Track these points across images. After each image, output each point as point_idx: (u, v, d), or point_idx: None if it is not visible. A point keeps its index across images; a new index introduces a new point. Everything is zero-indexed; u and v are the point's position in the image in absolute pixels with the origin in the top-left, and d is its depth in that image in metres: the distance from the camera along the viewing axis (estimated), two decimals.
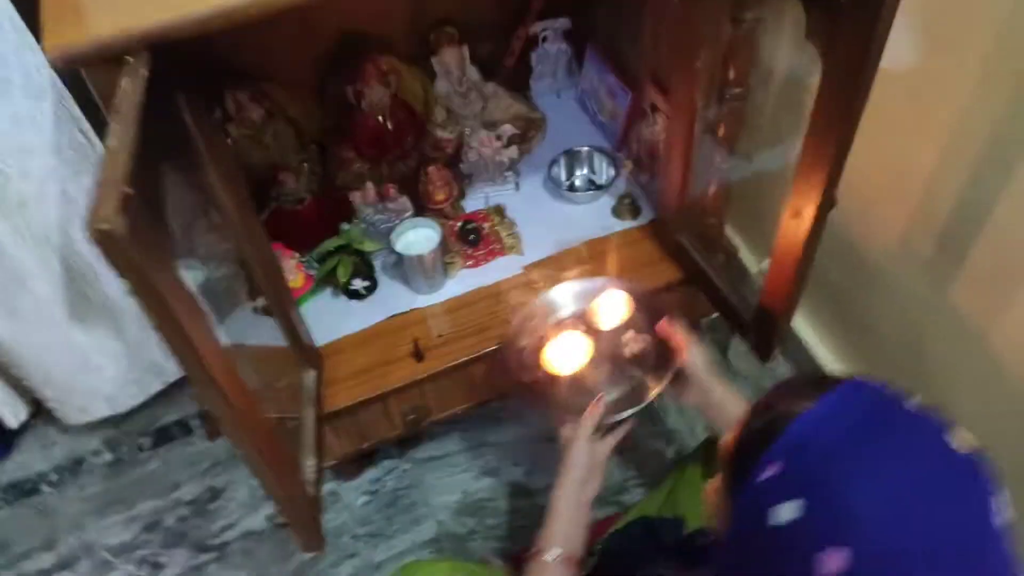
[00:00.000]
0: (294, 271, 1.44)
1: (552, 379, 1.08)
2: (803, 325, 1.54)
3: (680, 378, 1.00)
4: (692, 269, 1.40)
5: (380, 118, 1.55)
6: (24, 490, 1.61)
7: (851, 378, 0.52)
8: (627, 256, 1.45)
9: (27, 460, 1.65)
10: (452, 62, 1.58)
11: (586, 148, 1.63)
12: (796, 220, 0.99)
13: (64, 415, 1.55)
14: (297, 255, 1.46)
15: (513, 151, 1.58)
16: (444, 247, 1.46)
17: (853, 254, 1.34)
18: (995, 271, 1.06)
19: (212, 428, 0.87)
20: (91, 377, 1.48)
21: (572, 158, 1.64)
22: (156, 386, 1.56)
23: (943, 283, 1.16)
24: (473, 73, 1.65)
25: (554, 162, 1.62)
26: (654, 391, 1.00)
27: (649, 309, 1.11)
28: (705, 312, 1.50)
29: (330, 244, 1.40)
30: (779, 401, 0.52)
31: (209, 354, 0.77)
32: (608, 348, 1.09)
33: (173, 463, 1.60)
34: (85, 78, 0.74)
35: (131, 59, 0.73)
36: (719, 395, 0.96)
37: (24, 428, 1.66)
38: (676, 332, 1.02)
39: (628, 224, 1.53)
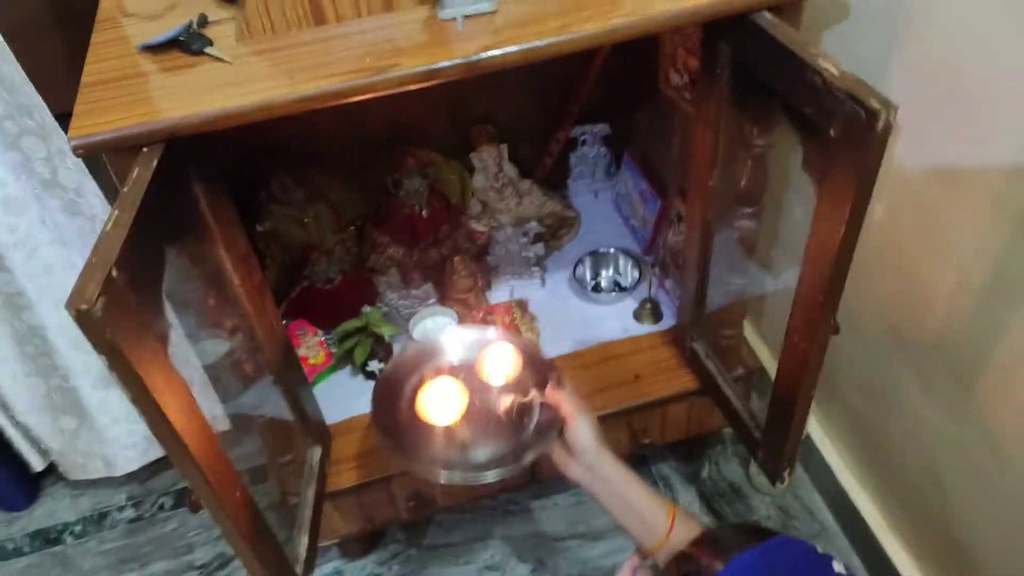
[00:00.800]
0: (316, 348, 1.47)
1: (424, 426, 1.02)
2: (826, 446, 1.48)
3: (565, 448, 0.93)
4: (707, 380, 1.36)
5: (416, 207, 1.59)
6: (48, 539, 1.64)
7: (776, 535, 0.49)
8: (644, 360, 1.43)
9: (55, 509, 1.69)
10: (490, 158, 1.63)
11: (612, 249, 1.64)
12: (796, 345, 0.96)
13: (66, 470, 1.59)
14: (321, 332, 1.48)
15: (539, 247, 1.59)
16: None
17: (870, 378, 1.29)
18: (1011, 403, 1.00)
19: (194, 502, 0.87)
20: (92, 437, 1.52)
21: (599, 259, 1.64)
22: (156, 453, 1.59)
23: (959, 412, 1.10)
24: (510, 170, 1.69)
25: (580, 261, 1.63)
26: (529, 456, 0.94)
27: (540, 370, 1.05)
28: (721, 424, 1.45)
29: (350, 325, 1.43)
30: (701, 555, 0.49)
31: (189, 431, 0.79)
32: (489, 404, 1.03)
33: (190, 526, 1.62)
34: (107, 164, 0.79)
35: (145, 149, 0.77)
36: (608, 471, 0.89)
37: (57, 477, 1.70)
38: (563, 399, 0.95)
39: (648, 328, 1.51)
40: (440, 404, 1.03)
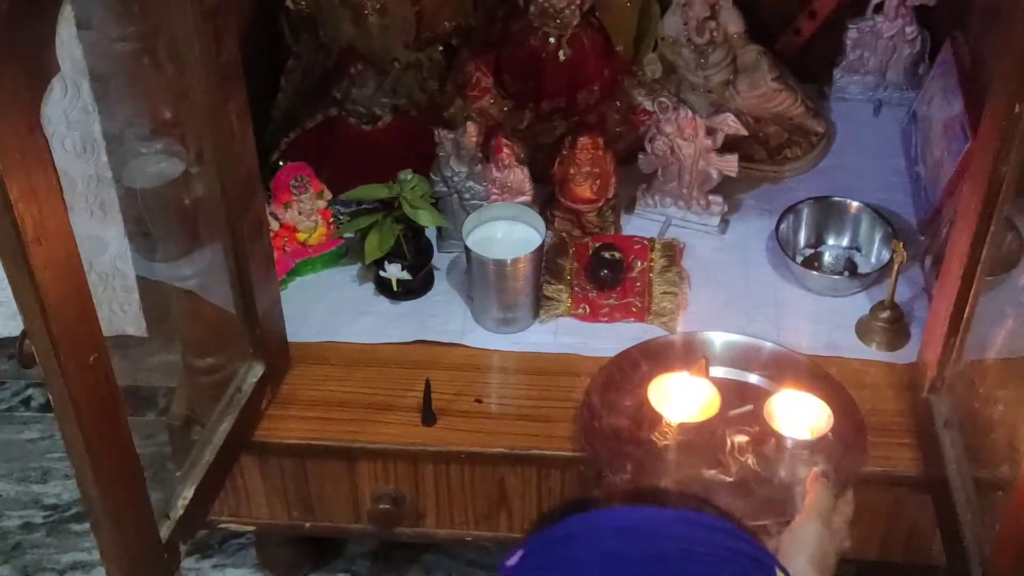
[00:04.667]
0: (314, 216, 1.56)
1: (653, 421, 1.32)
2: None
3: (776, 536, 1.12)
4: (935, 467, 1.33)
5: (553, 39, 1.63)
6: None
7: None
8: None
9: None
10: None
11: (859, 205, 1.61)
12: None
13: None
14: (327, 194, 1.57)
15: (733, 165, 1.59)
16: (547, 267, 1.50)
17: None
18: None
19: (26, 352, 1.00)
20: None
21: (830, 215, 1.62)
22: None
23: None
24: (732, 20, 1.68)
25: (794, 211, 1.61)
26: (753, 522, 1.13)
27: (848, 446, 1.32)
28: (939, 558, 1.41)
29: (370, 192, 1.50)
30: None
31: (47, 235, 0.90)
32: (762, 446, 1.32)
33: (57, 440, 1.80)
34: None
35: None
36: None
37: None
38: (816, 491, 1.16)
39: (874, 354, 1.48)
40: (683, 400, 1.32)
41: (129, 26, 1.18)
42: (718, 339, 1.46)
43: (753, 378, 1.43)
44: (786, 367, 1.42)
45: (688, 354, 1.43)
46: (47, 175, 0.90)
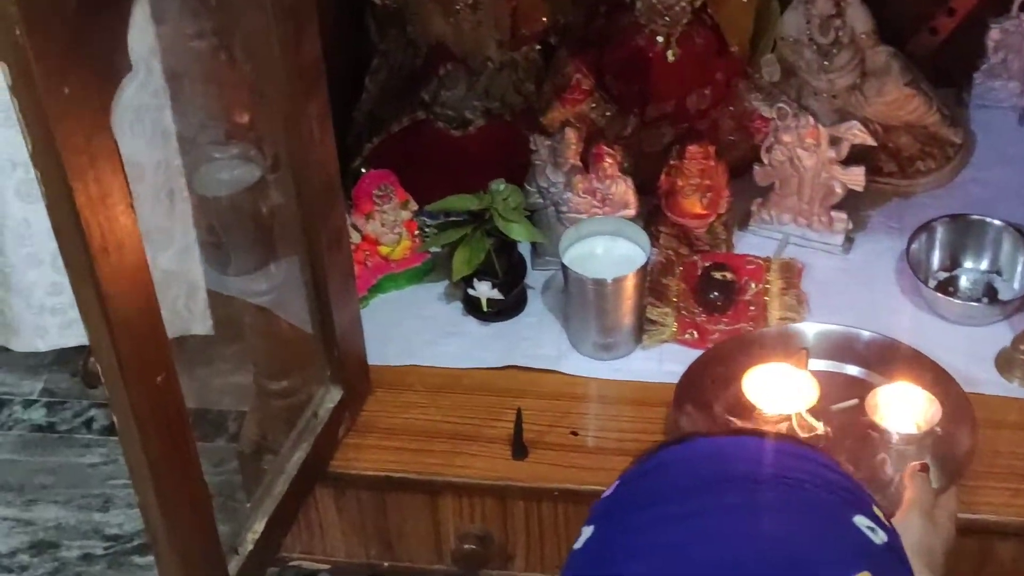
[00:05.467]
0: (398, 228, 1.56)
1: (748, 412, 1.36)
2: None
3: None
4: None
5: (661, 38, 1.61)
6: None
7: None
8: (988, 444, 1.37)
9: None
10: None
11: (998, 224, 1.57)
12: None
13: None
14: (413, 204, 1.57)
15: (860, 178, 1.56)
16: (651, 288, 1.49)
17: None
18: None
19: (91, 371, 1.01)
20: None
21: (967, 234, 1.59)
22: None
23: None
24: (861, 18, 1.65)
25: (927, 229, 1.58)
26: None
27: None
28: None
29: (459, 203, 1.49)
30: None
31: (112, 246, 0.90)
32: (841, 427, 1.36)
33: (120, 466, 1.81)
34: None
35: None
36: None
37: None
38: (915, 485, 1.18)
39: (1017, 391, 1.45)
40: (781, 392, 1.36)
41: (205, 22, 1.18)
42: (813, 329, 1.48)
43: (854, 370, 1.45)
44: (890, 357, 1.43)
45: (785, 345, 1.45)
46: (117, 180, 0.91)
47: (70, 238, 0.89)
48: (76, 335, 1.56)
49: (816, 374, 1.39)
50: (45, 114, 0.82)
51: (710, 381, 1.43)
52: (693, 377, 1.42)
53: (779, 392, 1.36)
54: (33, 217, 1.34)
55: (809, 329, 1.48)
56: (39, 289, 1.43)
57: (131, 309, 0.95)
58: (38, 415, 1.91)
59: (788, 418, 1.35)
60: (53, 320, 1.45)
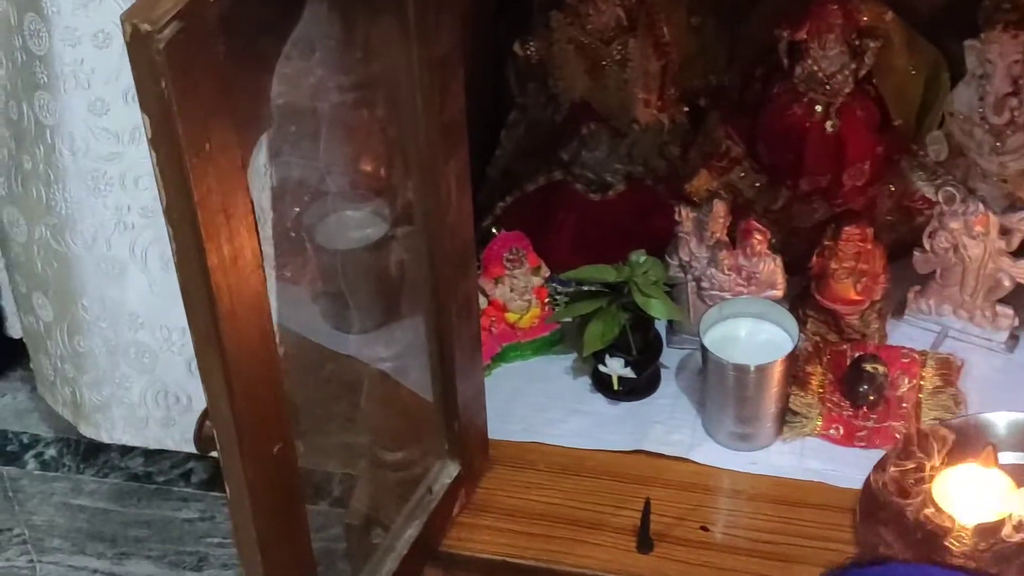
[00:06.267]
0: (528, 295, 1.57)
1: (939, 525, 1.31)
2: None
3: None
4: None
5: (820, 108, 1.61)
6: (4, 451, 1.96)
7: None
8: None
9: (23, 407, 2.00)
10: (998, 55, 1.57)
11: None
12: None
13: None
14: (545, 270, 1.58)
15: None
16: (795, 376, 1.48)
17: None
18: None
19: (205, 435, 1.03)
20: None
21: None
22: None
23: None
24: None
25: None
26: None
27: None
28: None
29: (595, 273, 1.49)
30: None
31: (240, 311, 0.93)
32: None
33: (218, 522, 1.84)
34: None
35: None
36: None
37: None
38: None
39: None
40: (973, 496, 1.34)
41: (350, 73, 1.21)
42: (1002, 420, 1.46)
43: None
44: None
45: (968, 438, 1.42)
46: (251, 240, 0.93)
47: (199, 300, 0.91)
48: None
49: (1008, 468, 1.37)
50: (184, 170, 0.84)
51: (895, 480, 1.40)
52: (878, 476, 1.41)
53: (972, 497, 1.34)
54: None
55: (999, 420, 1.46)
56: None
57: (254, 376, 0.97)
58: (135, 464, 1.93)
59: (998, 525, 1.31)
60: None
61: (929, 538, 1.33)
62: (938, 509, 1.32)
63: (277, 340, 1.03)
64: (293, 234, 1.43)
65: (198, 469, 1.92)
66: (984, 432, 1.43)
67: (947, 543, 1.31)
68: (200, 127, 0.84)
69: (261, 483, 1.03)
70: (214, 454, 1.02)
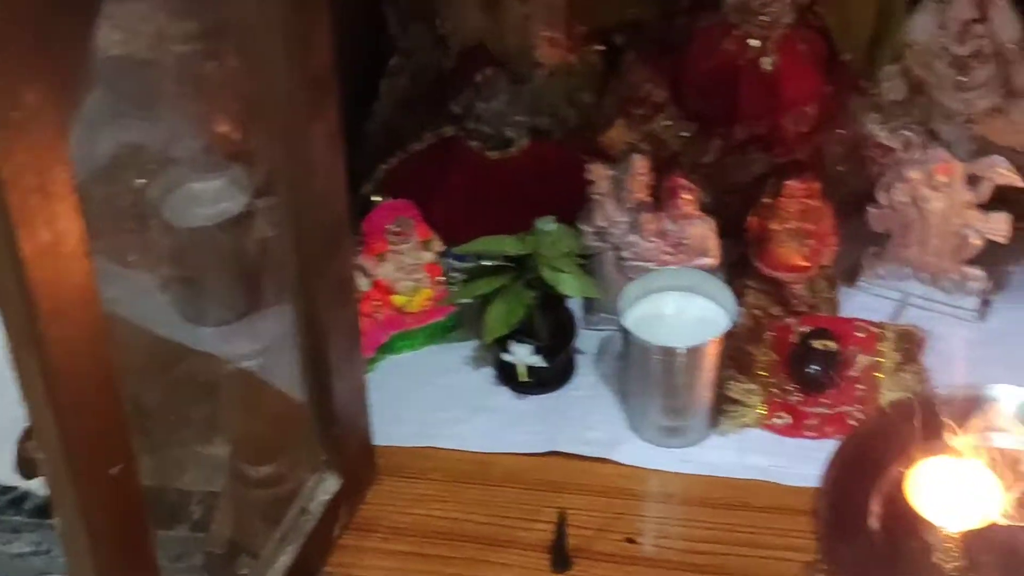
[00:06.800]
0: (419, 274, 1.57)
1: (913, 526, 1.29)
2: None
3: None
4: None
5: (755, 42, 1.62)
6: None
7: None
8: None
9: None
10: None
11: None
12: None
13: None
14: (437, 244, 1.58)
15: (1002, 226, 1.56)
16: (732, 357, 1.50)
17: None
18: None
19: (27, 457, 1.02)
20: None
21: None
22: None
23: None
24: (1008, 26, 1.65)
25: None
26: None
27: None
28: None
29: (496, 245, 1.50)
30: None
31: (66, 310, 0.91)
32: None
33: (55, 555, 1.84)
34: None
35: None
36: None
37: None
38: None
39: None
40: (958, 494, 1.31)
41: (197, 18, 1.19)
42: (971, 397, 1.45)
43: None
44: None
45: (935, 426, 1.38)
46: (75, 223, 0.91)
47: (11, 296, 0.89)
48: None
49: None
50: None
51: (857, 480, 1.40)
52: (839, 476, 1.41)
53: (955, 491, 1.31)
54: None
55: (967, 396, 1.46)
56: None
57: (85, 384, 0.96)
58: None
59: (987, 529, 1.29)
60: None
61: (910, 556, 1.33)
62: (916, 516, 1.30)
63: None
64: (135, 211, 1.42)
65: (33, 495, 1.91)
66: (953, 412, 1.38)
67: (935, 560, 1.29)
68: (6, 90, 0.83)
69: (99, 510, 1.01)
70: (39, 480, 1.01)
